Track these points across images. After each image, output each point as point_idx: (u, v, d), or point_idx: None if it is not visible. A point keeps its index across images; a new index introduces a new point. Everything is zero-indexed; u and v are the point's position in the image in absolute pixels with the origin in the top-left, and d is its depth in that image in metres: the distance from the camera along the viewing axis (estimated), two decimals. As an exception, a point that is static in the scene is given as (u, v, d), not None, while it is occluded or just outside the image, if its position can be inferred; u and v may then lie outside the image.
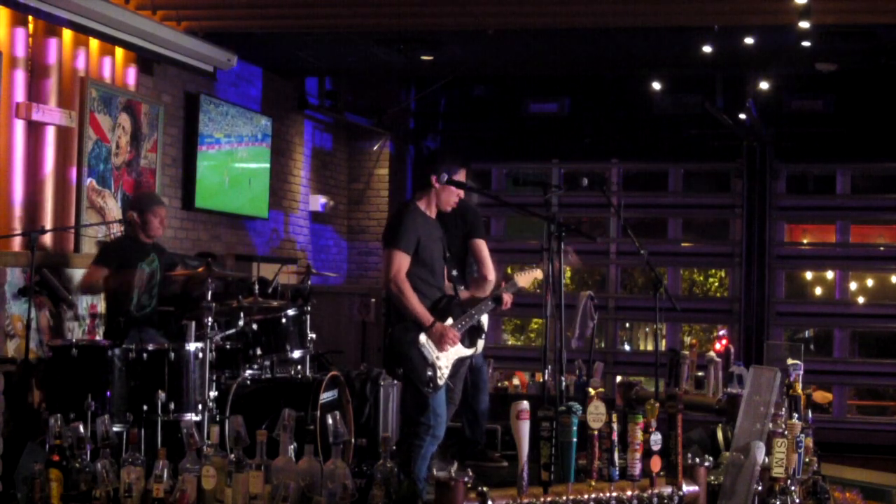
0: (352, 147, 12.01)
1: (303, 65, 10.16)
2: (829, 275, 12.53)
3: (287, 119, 10.69)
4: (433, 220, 5.29)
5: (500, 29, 8.65)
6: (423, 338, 5.02)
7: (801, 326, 12.67)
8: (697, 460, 4.51)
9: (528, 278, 5.64)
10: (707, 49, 8.68)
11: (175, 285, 6.71)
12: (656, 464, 4.32)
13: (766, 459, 4.57)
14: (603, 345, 12.08)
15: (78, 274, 7.18)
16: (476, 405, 6.37)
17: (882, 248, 12.37)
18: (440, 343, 5.03)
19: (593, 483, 4.22)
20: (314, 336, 6.67)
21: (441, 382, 5.05)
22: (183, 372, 5.64)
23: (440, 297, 5.19)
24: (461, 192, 5.30)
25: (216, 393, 5.93)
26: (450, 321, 5.12)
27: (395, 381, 6.81)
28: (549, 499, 4.12)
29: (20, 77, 7.01)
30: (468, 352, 5.32)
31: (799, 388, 5.08)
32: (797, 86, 11.13)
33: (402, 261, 5.05)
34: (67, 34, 7.38)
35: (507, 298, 5.41)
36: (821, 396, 11.31)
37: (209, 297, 5.83)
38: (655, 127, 11.84)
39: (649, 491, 4.30)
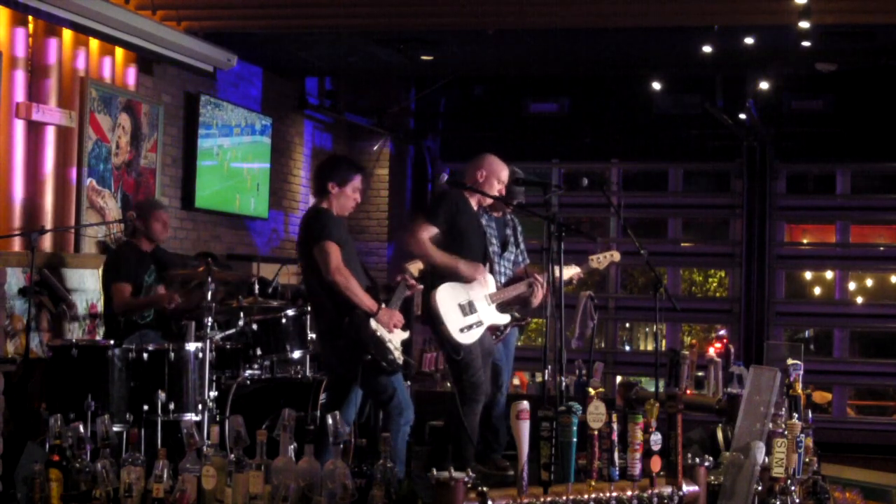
0: (352, 147, 12.00)
1: (303, 65, 10.16)
2: (829, 275, 12.52)
3: (287, 119, 10.69)
4: (342, 220, 5.42)
5: (500, 29, 8.64)
6: (373, 323, 5.16)
7: (801, 326, 12.66)
8: (697, 460, 4.50)
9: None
10: (707, 49, 8.67)
11: (174, 285, 6.71)
12: (656, 464, 4.32)
13: (766, 459, 4.57)
14: (603, 345, 12.08)
15: (78, 274, 7.19)
16: (493, 406, 6.18)
17: (882, 248, 12.36)
18: (388, 325, 5.21)
19: (593, 483, 4.22)
20: (314, 336, 6.67)
21: (400, 362, 5.22)
22: (183, 372, 5.65)
23: (367, 289, 5.27)
24: (357, 198, 5.43)
25: (216, 393, 5.93)
26: (383, 305, 5.27)
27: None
28: (549, 499, 4.11)
29: (20, 77, 7.01)
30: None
31: (799, 388, 5.07)
32: (797, 86, 11.12)
33: (339, 252, 5.16)
34: (67, 34, 7.38)
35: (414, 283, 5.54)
36: (820, 397, 11.32)
37: (209, 297, 5.84)
38: (655, 127, 11.84)
39: (649, 491, 4.30)
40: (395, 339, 5.27)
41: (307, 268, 5.32)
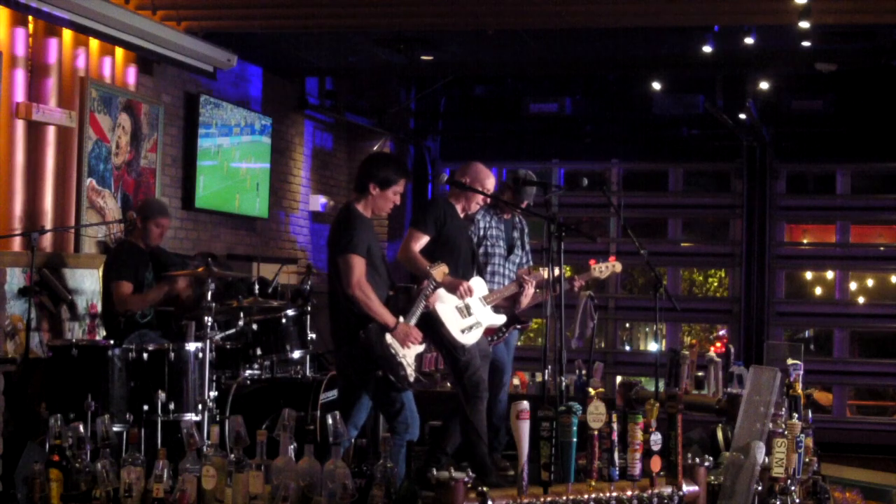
0: (352, 147, 12.01)
1: (303, 65, 10.16)
2: (829, 275, 12.53)
3: (287, 119, 10.69)
4: (371, 222, 5.40)
5: (500, 29, 8.65)
6: (388, 338, 5.14)
7: (801, 326, 12.67)
8: (697, 460, 4.50)
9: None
10: (707, 49, 8.67)
11: (173, 286, 6.70)
12: (656, 464, 4.32)
13: (766, 459, 4.57)
14: (603, 345, 12.08)
15: (78, 274, 7.19)
16: (494, 406, 6.21)
17: (882, 248, 12.36)
18: (404, 342, 5.18)
19: (593, 483, 4.22)
20: (314, 336, 6.67)
21: (412, 379, 5.21)
22: (183, 372, 5.65)
23: (388, 298, 5.27)
24: (396, 201, 5.38)
25: (216, 393, 5.93)
26: (401, 319, 5.22)
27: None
28: (549, 499, 4.11)
29: (20, 77, 7.01)
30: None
31: (799, 388, 5.07)
32: (797, 86, 11.12)
33: (363, 265, 5.14)
34: (67, 34, 7.38)
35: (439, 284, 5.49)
36: (823, 398, 11.33)
37: (209, 297, 5.83)
38: (655, 127, 11.85)
39: (649, 491, 4.30)
40: (410, 354, 5.24)
41: (332, 270, 5.28)
